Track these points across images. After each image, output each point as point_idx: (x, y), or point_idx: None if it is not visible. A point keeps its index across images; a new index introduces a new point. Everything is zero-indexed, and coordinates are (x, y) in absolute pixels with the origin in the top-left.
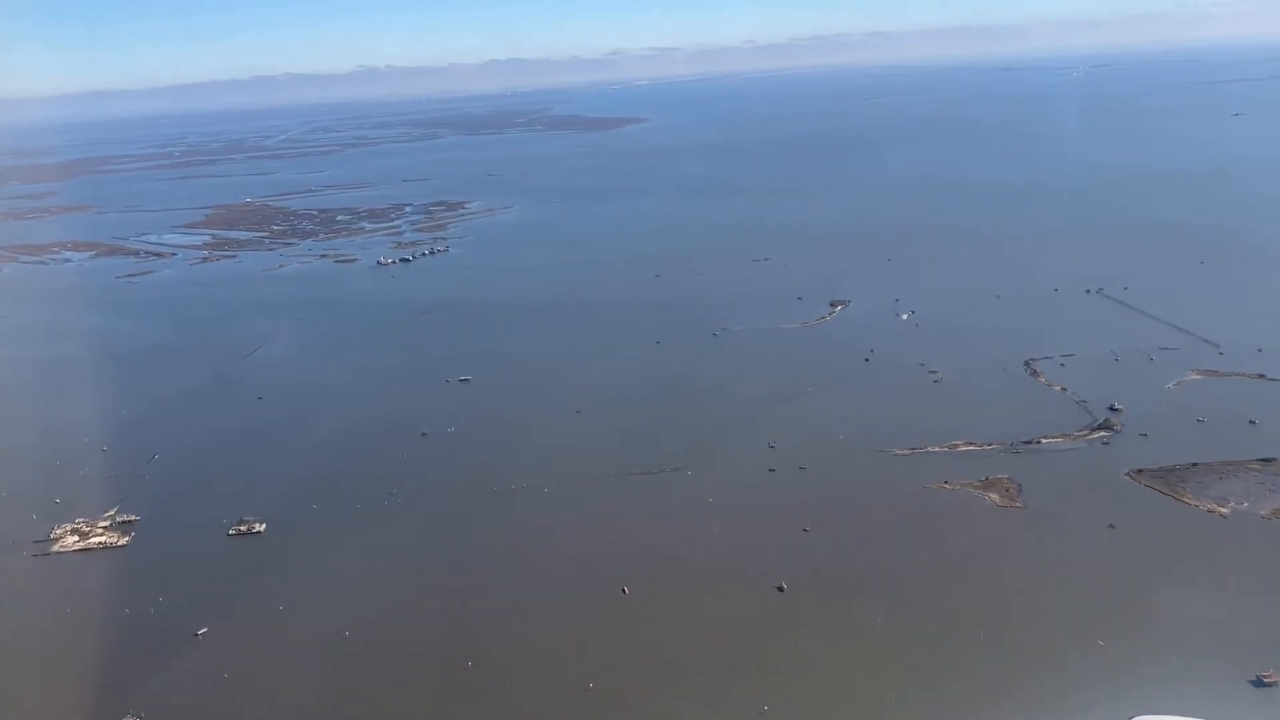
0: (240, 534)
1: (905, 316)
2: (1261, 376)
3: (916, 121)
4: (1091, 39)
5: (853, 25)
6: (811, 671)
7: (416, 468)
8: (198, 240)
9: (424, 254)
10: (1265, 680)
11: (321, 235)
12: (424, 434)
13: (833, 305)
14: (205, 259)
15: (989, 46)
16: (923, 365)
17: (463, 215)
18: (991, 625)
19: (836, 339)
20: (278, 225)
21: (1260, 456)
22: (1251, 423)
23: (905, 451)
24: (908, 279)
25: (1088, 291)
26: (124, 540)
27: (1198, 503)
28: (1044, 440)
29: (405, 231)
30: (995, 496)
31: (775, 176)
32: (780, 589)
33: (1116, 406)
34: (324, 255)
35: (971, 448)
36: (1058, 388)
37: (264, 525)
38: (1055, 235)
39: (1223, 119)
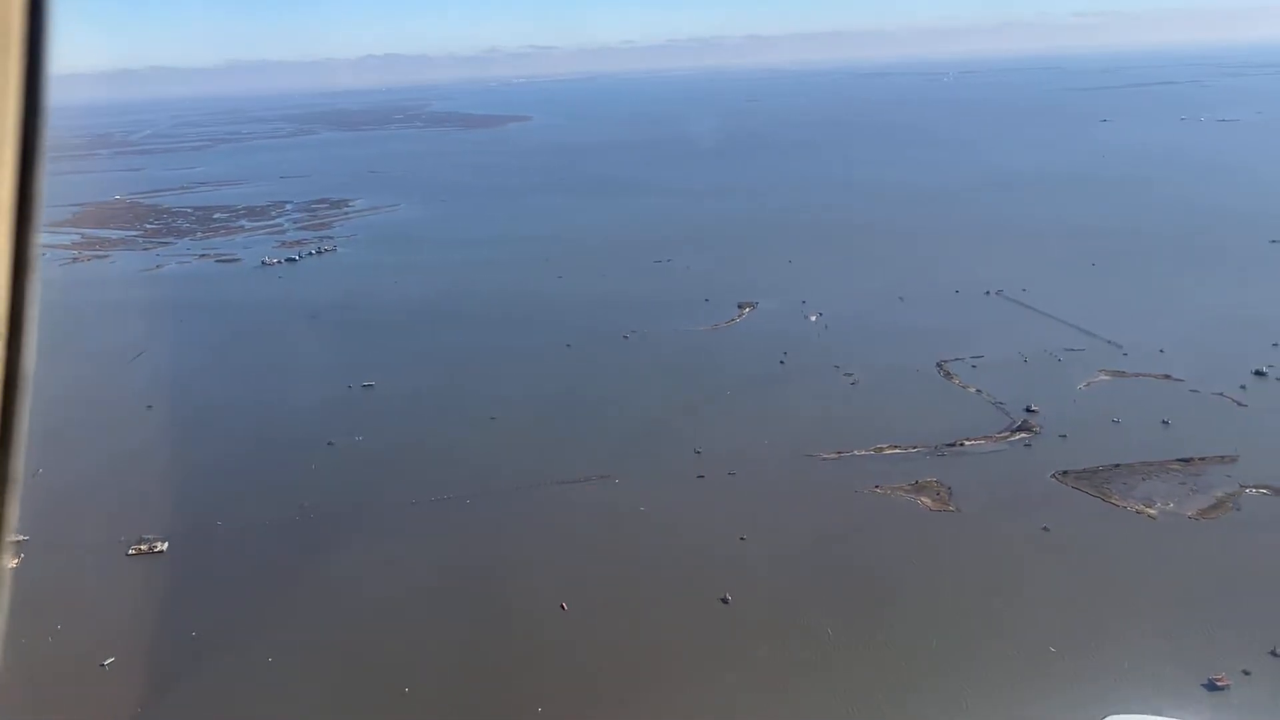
0: (141, 554)
1: (814, 318)
2: (1167, 377)
3: (802, 124)
4: (958, 45)
5: (731, 28)
6: (767, 686)
7: (326, 480)
8: (66, 240)
9: (310, 253)
10: (1218, 683)
11: (199, 234)
12: (330, 443)
13: (740, 307)
14: (75, 259)
15: (861, 51)
16: (838, 367)
17: (347, 213)
18: (942, 633)
19: (748, 341)
20: (151, 224)
21: (1178, 457)
22: (1164, 423)
23: (832, 455)
24: (811, 280)
25: (987, 293)
26: (11, 563)
27: (1125, 504)
28: (967, 443)
29: (288, 230)
30: (928, 500)
31: (667, 177)
32: (725, 600)
33: (1033, 408)
34: (203, 255)
35: (896, 450)
36: (972, 389)
37: (166, 544)
38: (947, 237)
39: (1092, 124)
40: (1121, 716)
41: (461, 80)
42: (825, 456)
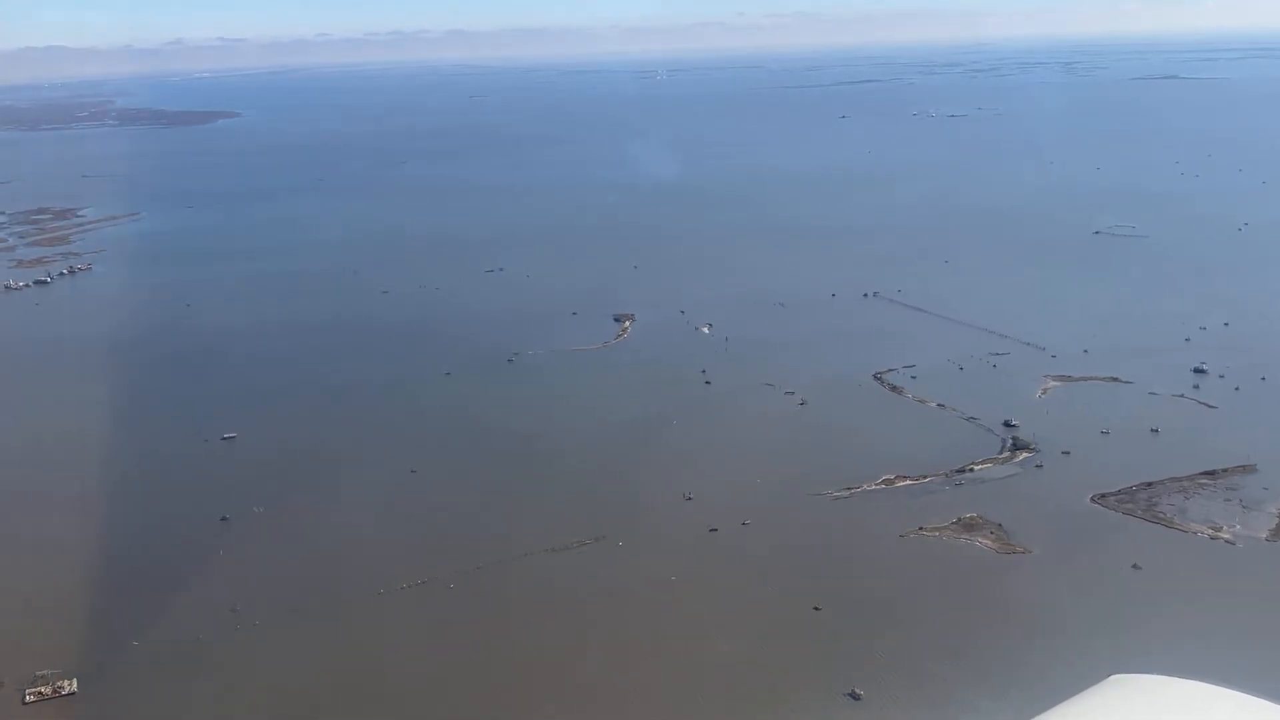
0: (43, 698)
1: (706, 330)
2: (1116, 380)
3: (537, 120)
4: (658, 44)
5: (433, 22)
6: None
7: (246, 569)
8: None
9: (61, 274)
10: None
11: None
12: (225, 518)
13: (619, 320)
14: None
15: (566, 48)
16: (771, 385)
17: (83, 225)
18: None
19: (654, 359)
20: None
21: (1200, 470)
22: (1154, 431)
23: (842, 493)
24: (671, 288)
25: (865, 295)
26: None
27: (1190, 528)
28: (975, 467)
29: (18, 247)
30: (987, 542)
31: (429, 175)
32: (855, 696)
33: (1013, 422)
34: None
35: (907, 482)
36: (932, 404)
37: (74, 682)
38: (772, 237)
39: (834, 121)
40: (1126, 675)
41: (141, 75)
42: (836, 495)
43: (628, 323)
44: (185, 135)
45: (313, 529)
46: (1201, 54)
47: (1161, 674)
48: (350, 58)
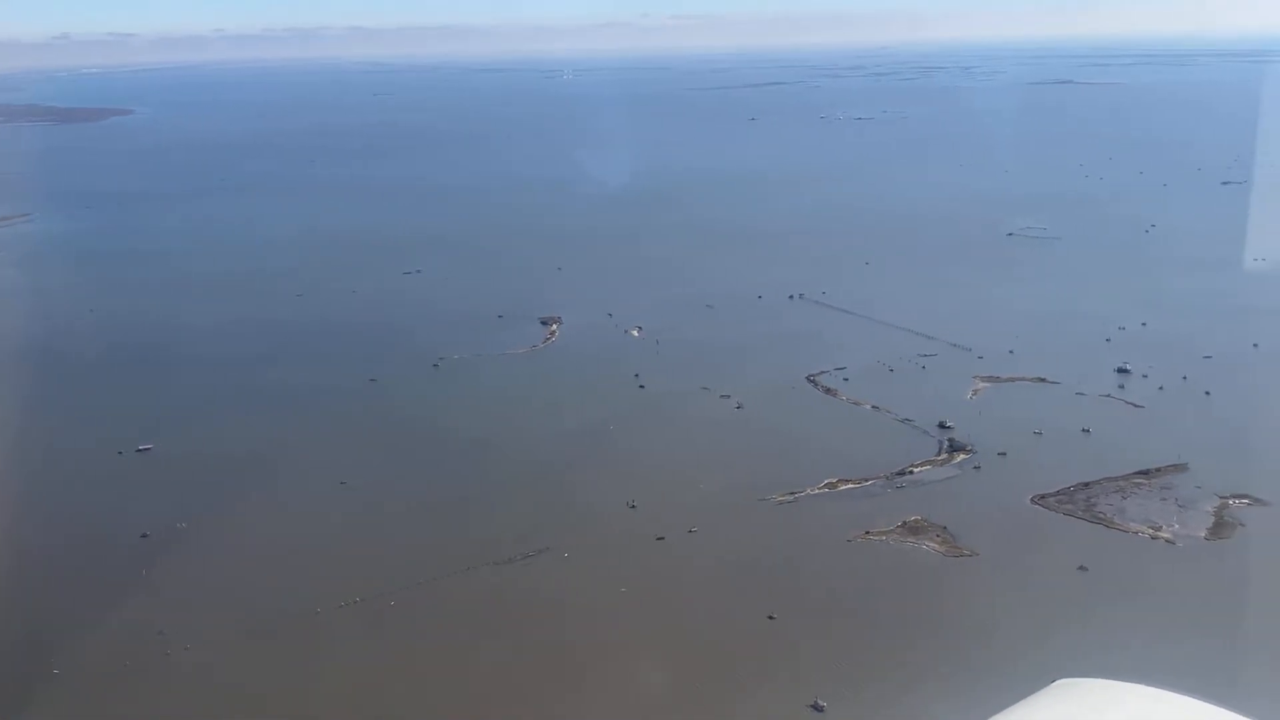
0: None
1: (636, 333)
2: (1043, 380)
3: (445, 118)
4: (562, 44)
5: (332, 19)
6: None
7: (170, 591)
8: None
9: None
10: None
11: None
12: (145, 535)
13: (546, 324)
14: None
15: (468, 46)
16: (707, 389)
17: None
18: None
19: (585, 363)
20: None
21: (1135, 470)
22: (1085, 432)
23: (786, 497)
24: (597, 290)
25: (791, 297)
26: None
27: (1131, 528)
28: (915, 469)
29: None
30: (934, 545)
31: (336, 174)
32: (818, 708)
33: (947, 424)
34: None
35: (850, 485)
36: (867, 405)
37: None
38: (695, 239)
39: (744, 123)
40: (1072, 679)
41: (26, 70)
42: (780, 499)
43: (555, 326)
44: (76, 133)
45: (241, 545)
46: (1094, 59)
47: (1111, 678)
48: (248, 54)
